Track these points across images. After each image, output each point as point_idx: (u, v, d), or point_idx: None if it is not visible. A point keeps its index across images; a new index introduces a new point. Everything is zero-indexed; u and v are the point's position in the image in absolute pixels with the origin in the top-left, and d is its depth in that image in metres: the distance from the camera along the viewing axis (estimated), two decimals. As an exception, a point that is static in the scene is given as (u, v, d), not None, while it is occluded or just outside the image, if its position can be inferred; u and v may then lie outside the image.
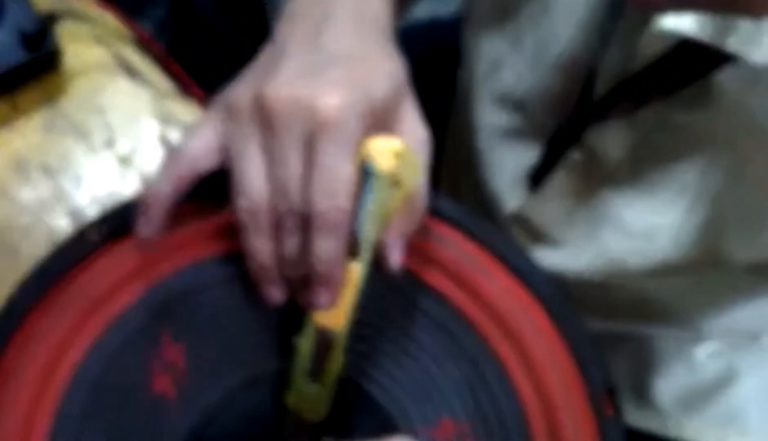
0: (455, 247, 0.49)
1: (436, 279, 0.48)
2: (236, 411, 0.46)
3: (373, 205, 0.41)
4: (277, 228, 0.42)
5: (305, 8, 0.46)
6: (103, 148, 0.58)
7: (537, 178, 0.63)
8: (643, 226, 0.59)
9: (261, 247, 0.42)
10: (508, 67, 0.62)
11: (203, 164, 0.43)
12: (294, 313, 0.46)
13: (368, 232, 0.41)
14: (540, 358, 0.47)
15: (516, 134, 0.64)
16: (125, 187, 0.57)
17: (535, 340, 0.47)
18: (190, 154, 0.43)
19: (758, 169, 0.53)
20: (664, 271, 0.60)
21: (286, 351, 0.47)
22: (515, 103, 0.63)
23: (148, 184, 0.43)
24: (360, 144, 0.41)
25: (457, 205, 0.50)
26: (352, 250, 0.41)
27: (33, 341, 0.44)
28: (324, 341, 0.42)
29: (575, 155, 0.59)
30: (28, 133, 0.57)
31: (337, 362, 0.42)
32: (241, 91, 0.42)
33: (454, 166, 0.77)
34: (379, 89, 0.42)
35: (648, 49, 0.51)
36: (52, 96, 0.59)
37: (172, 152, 0.43)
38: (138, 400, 0.45)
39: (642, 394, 0.73)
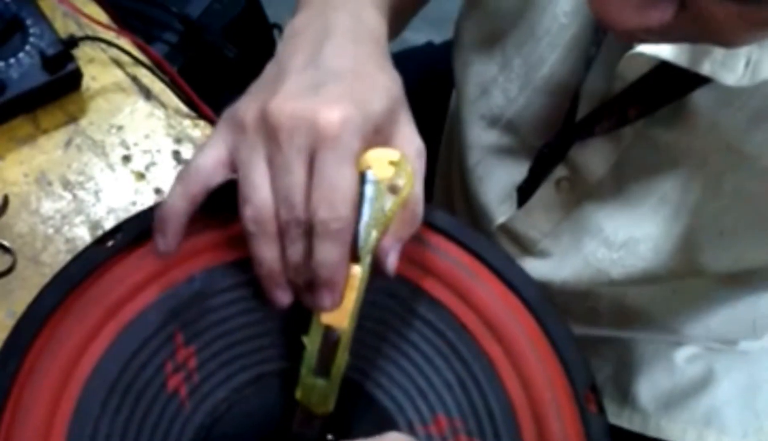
0: (449, 256, 0.52)
1: (431, 286, 0.51)
2: (244, 409, 0.49)
3: (372, 211, 0.44)
4: (282, 235, 0.44)
5: (305, 27, 0.48)
6: (120, 164, 0.62)
7: (524, 193, 0.66)
8: (623, 237, 0.62)
9: (267, 253, 0.45)
10: (497, 90, 0.65)
11: (214, 178, 0.45)
12: (299, 316, 0.50)
13: (369, 237, 0.44)
14: (527, 358, 0.50)
15: (505, 152, 0.67)
16: (141, 200, 0.60)
17: (522, 341, 0.50)
18: (201, 171, 0.45)
19: (733, 185, 0.56)
20: (645, 279, 0.63)
21: (291, 352, 0.51)
22: (504, 124, 0.66)
23: (164, 201, 0.46)
24: (359, 155, 0.44)
25: (451, 218, 0.53)
26: (354, 254, 0.44)
27: (54, 342, 0.47)
28: (329, 339, 0.45)
29: (560, 172, 0.62)
30: (50, 149, 0.61)
31: (342, 358, 0.45)
32: (246, 106, 0.45)
33: (447, 181, 0.80)
34: (377, 103, 0.45)
35: (628, 72, 0.54)
36: (72, 115, 0.63)
37: (184, 169, 0.46)
38: (152, 399, 0.48)
39: (624, 395, 0.77)
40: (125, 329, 0.48)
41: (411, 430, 0.50)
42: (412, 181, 0.45)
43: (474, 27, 0.67)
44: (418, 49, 0.94)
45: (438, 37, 0.94)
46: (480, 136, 0.68)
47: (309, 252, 0.43)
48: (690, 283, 0.66)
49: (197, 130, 0.63)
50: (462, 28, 0.69)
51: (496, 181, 0.68)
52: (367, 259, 0.44)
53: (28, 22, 0.61)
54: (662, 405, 0.75)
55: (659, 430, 0.76)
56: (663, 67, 0.52)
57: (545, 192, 0.64)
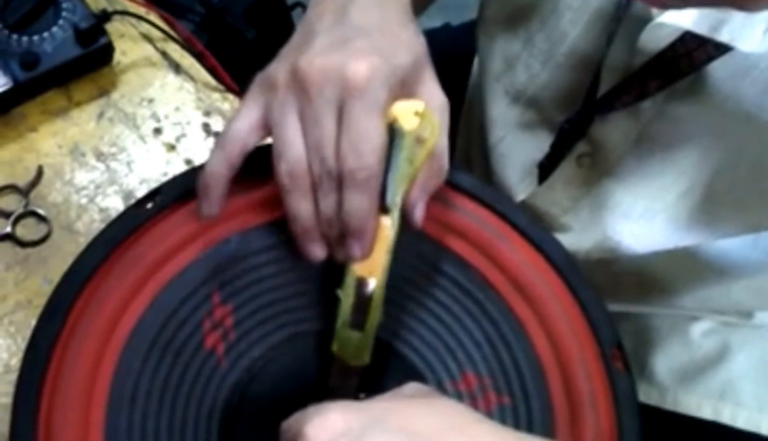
0: (477, 217, 0.53)
1: (459, 246, 0.53)
2: (279, 367, 0.51)
3: (400, 162, 0.45)
4: (315, 189, 0.45)
5: None
6: (151, 136, 0.63)
7: (546, 170, 0.67)
8: (641, 209, 0.63)
9: (302, 207, 0.46)
10: (521, 66, 0.66)
11: (250, 140, 0.47)
12: (334, 276, 0.51)
13: (396, 188, 0.45)
14: (555, 317, 0.51)
15: (527, 128, 0.68)
16: (172, 170, 0.62)
17: (550, 301, 0.51)
18: (238, 134, 0.46)
19: (752, 155, 0.57)
20: (664, 249, 0.65)
21: (326, 312, 0.52)
22: (527, 100, 0.67)
23: (204, 167, 0.47)
24: (387, 106, 0.45)
25: (477, 180, 0.55)
26: (382, 205, 0.45)
27: (96, 301, 0.49)
28: (363, 291, 0.46)
29: (582, 148, 0.63)
30: (83, 121, 0.63)
31: (376, 310, 0.47)
32: (277, 66, 0.46)
33: (467, 160, 0.81)
34: (403, 57, 0.46)
35: (649, 45, 0.55)
36: (104, 88, 0.64)
37: (222, 135, 0.47)
38: (190, 356, 0.49)
39: (641, 369, 0.78)
40: (164, 288, 0.50)
41: (440, 387, 0.51)
42: (437, 131, 0.46)
43: (498, 3, 0.68)
44: (435, 31, 0.95)
45: (455, 19, 0.95)
46: (503, 113, 0.69)
47: (340, 204, 0.45)
48: (706, 254, 0.67)
49: (226, 103, 0.65)
50: (486, 4, 0.70)
51: (518, 158, 0.69)
52: (395, 210, 0.46)
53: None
54: (678, 379, 0.76)
55: (676, 404, 0.76)
56: (682, 39, 0.53)
57: (566, 168, 0.65)
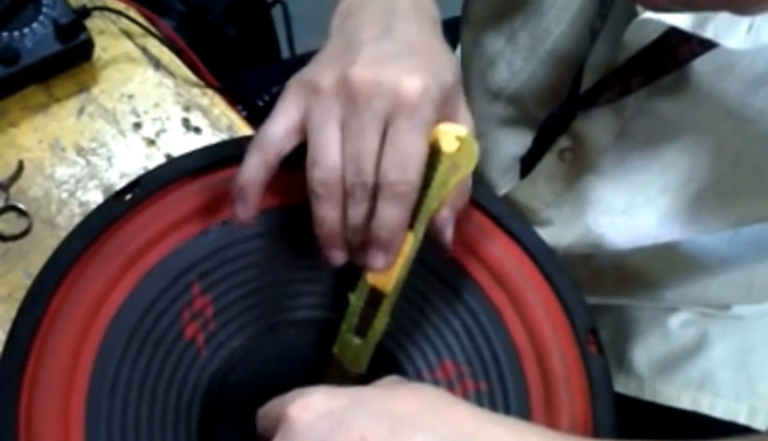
0: (473, 223, 0.54)
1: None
2: (259, 356, 0.51)
3: (434, 183, 0.45)
4: (346, 197, 0.45)
5: (364, 5, 0.50)
6: (131, 130, 0.63)
7: (527, 164, 0.68)
8: (624, 204, 0.64)
9: (330, 214, 0.45)
10: (503, 63, 0.67)
11: (287, 144, 0.46)
12: (313, 268, 0.52)
13: (428, 207, 0.46)
14: (531, 305, 0.52)
15: (509, 124, 0.69)
16: (151, 165, 0.62)
17: (526, 289, 0.52)
18: (275, 138, 0.46)
19: (734, 150, 0.57)
20: (644, 246, 0.65)
21: (305, 302, 0.53)
22: (508, 96, 0.68)
23: (242, 172, 0.46)
24: (432, 126, 0.45)
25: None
26: (411, 221, 0.46)
27: (76, 291, 0.49)
28: (373, 300, 0.47)
29: (563, 143, 0.64)
30: (63, 117, 0.63)
31: (381, 321, 0.47)
32: (322, 72, 0.46)
33: None
34: (449, 76, 0.46)
35: (633, 41, 0.56)
36: (84, 84, 0.64)
37: (258, 139, 0.47)
38: (170, 345, 0.50)
39: (620, 361, 0.78)
40: (144, 279, 0.50)
41: (418, 375, 0.52)
42: (475, 159, 0.46)
43: (483, 1, 0.69)
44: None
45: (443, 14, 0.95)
46: (485, 109, 0.70)
47: (370, 214, 0.45)
48: (685, 247, 0.68)
49: (205, 98, 0.65)
50: (470, 3, 0.71)
51: (499, 154, 0.70)
52: (420, 228, 0.46)
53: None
54: (657, 370, 0.77)
55: (655, 394, 0.77)
56: (667, 35, 0.54)
57: (548, 163, 0.65)
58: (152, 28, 0.66)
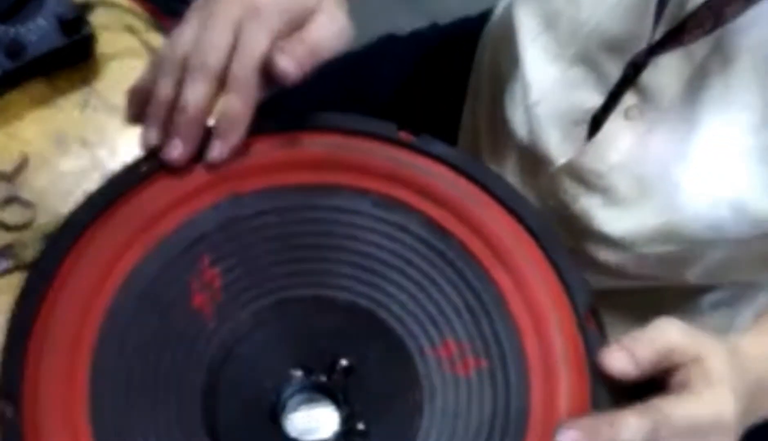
0: (458, 187, 0.54)
1: (441, 216, 0.53)
2: (265, 331, 0.51)
3: None
4: (185, 76, 0.50)
5: None
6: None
7: (592, 126, 0.66)
8: (697, 158, 0.61)
9: (164, 89, 0.50)
10: (564, 20, 0.65)
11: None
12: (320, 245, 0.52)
13: None
14: (532, 283, 0.51)
15: (570, 86, 0.66)
16: (155, 155, 0.62)
17: (527, 267, 0.51)
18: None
19: None
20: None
21: (313, 280, 0.53)
22: (573, 54, 0.65)
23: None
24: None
25: (458, 150, 0.55)
26: None
27: (87, 254, 0.49)
28: None
29: (629, 100, 0.62)
30: (67, 110, 0.64)
31: None
32: None
33: (493, 133, 0.79)
34: None
35: None
36: (87, 77, 0.65)
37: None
38: (178, 313, 0.50)
39: None
40: (155, 246, 0.50)
41: (421, 353, 0.51)
42: None
43: None
44: (423, 31, 0.95)
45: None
46: (544, 72, 0.68)
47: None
48: None
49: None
50: None
51: (558, 119, 0.68)
52: None
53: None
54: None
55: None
56: None
57: (614, 123, 0.64)
58: (154, 22, 0.67)
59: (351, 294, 0.52)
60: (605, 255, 0.69)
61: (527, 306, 0.51)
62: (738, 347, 0.51)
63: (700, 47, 0.57)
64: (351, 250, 0.52)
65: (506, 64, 0.73)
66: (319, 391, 0.50)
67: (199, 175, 0.52)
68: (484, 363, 0.50)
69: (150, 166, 0.52)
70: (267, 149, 0.52)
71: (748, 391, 0.48)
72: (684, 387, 0.45)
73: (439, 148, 0.54)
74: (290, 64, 0.50)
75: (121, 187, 0.51)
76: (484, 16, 0.86)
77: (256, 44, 0.49)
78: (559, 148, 0.68)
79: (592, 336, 0.49)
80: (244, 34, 0.49)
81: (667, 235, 0.64)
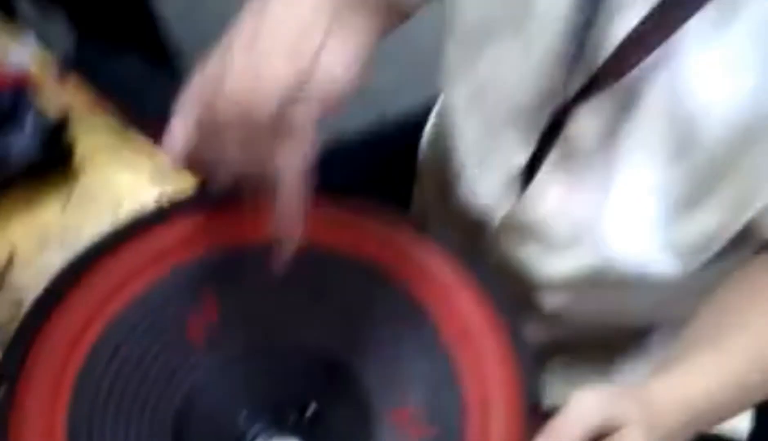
0: (442, 268, 0.60)
1: (418, 289, 0.59)
2: (245, 368, 0.56)
3: None
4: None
5: None
6: (110, 214, 0.70)
7: (525, 178, 0.70)
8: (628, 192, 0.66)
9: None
10: (491, 90, 0.71)
11: None
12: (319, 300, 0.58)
13: None
14: (490, 367, 0.55)
15: (505, 147, 0.72)
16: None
17: (488, 351, 0.56)
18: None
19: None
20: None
21: (299, 330, 0.57)
22: (502, 120, 0.71)
23: None
24: None
25: (445, 238, 0.62)
26: None
27: (101, 275, 0.57)
28: None
29: (555, 153, 0.67)
30: (50, 210, 0.70)
31: None
32: None
33: (440, 204, 0.83)
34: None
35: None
36: (68, 178, 0.72)
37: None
38: (170, 340, 0.55)
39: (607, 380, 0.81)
40: (163, 275, 0.57)
41: (383, 411, 0.55)
42: None
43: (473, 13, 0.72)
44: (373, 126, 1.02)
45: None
46: (478, 139, 0.73)
47: None
48: None
49: (180, 176, 0.71)
50: (457, 15, 0.74)
51: (495, 179, 0.73)
52: None
53: (24, 104, 0.71)
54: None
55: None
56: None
57: (543, 176, 0.69)
58: (129, 122, 0.74)
59: (332, 347, 0.57)
60: (551, 302, 0.73)
61: (480, 387, 0.55)
62: (651, 399, 0.56)
63: (611, 97, 0.63)
64: (340, 309, 0.58)
65: (447, 140, 0.78)
66: (286, 431, 0.54)
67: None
68: (432, 431, 0.54)
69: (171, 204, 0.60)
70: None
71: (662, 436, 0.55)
72: None
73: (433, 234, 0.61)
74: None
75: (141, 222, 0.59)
76: (428, 109, 0.93)
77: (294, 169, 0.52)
78: (497, 204, 0.73)
79: (534, 426, 0.52)
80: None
81: (602, 276, 0.69)
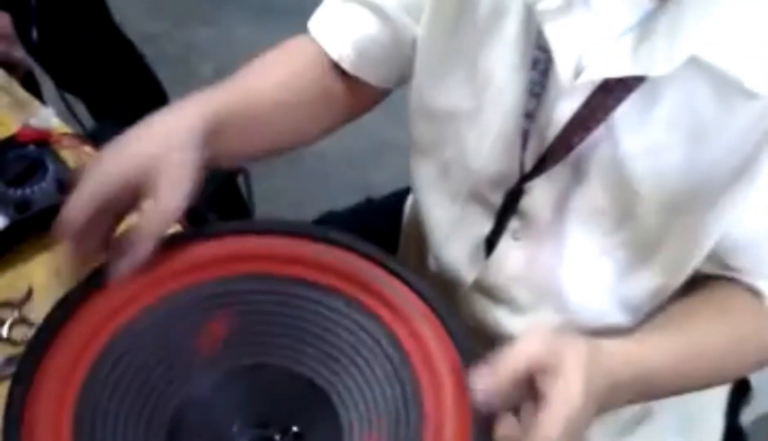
0: (410, 303, 0.64)
1: (391, 320, 0.63)
2: (237, 387, 0.61)
3: None
4: None
5: None
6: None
7: (490, 246, 0.77)
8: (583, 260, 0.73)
9: None
10: (456, 167, 0.77)
11: None
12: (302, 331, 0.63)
13: None
14: (445, 391, 0.60)
15: (470, 218, 0.78)
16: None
17: (445, 375, 0.60)
18: None
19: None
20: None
21: (287, 355, 0.63)
22: (466, 194, 0.78)
23: None
24: None
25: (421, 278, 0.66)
26: None
27: (104, 299, 0.62)
28: None
29: (514, 223, 0.74)
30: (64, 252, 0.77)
31: None
32: None
33: (418, 255, 0.90)
34: None
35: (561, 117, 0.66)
36: (82, 226, 0.79)
37: None
38: (176, 349, 0.61)
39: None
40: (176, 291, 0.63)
41: (354, 434, 0.60)
42: None
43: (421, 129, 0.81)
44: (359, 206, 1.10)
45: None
46: (445, 212, 0.80)
47: None
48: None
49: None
50: (413, 126, 0.82)
51: (462, 247, 0.80)
52: None
53: (47, 159, 0.80)
54: (610, 437, 0.84)
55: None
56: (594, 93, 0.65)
57: (504, 244, 0.76)
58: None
59: (314, 375, 0.62)
60: None
61: (437, 410, 0.59)
62: (600, 347, 0.59)
63: (561, 172, 0.69)
64: (323, 339, 0.63)
65: (418, 213, 0.86)
66: None
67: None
68: None
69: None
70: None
71: (606, 385, 0.58)
72: (542, 399, 0.55)
73: (404, 272, 0.66)
74: None
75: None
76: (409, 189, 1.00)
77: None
78: (466, 270, 0.80)
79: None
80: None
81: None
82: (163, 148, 0.63)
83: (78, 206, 0.62)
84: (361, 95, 0.83)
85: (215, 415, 0.61)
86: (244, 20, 2.19)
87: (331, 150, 1.77)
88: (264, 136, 0.77)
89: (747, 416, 0.96)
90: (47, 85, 1.21)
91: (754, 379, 0.93)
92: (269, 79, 0.77)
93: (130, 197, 0.63)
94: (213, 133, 0.67)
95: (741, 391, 0.93)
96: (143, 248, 0.62)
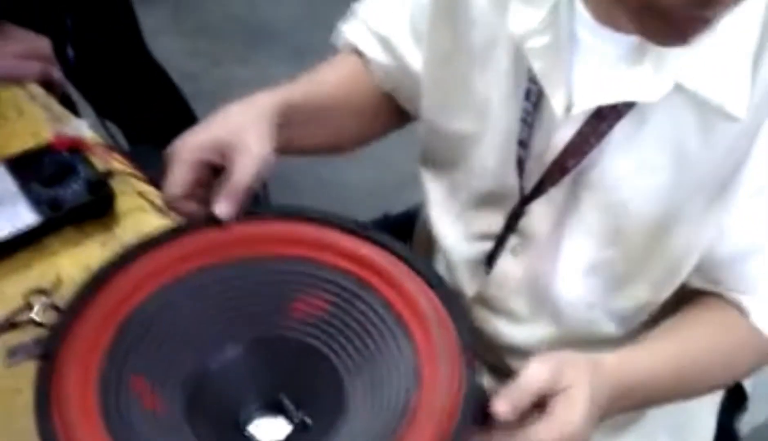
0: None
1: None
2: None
3: None
4: None
5: None
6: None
7: (490, 262, 0.81)
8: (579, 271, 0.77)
9: None
10: (463, 188, 0.81)
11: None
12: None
13: None
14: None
15: (473, 235, 0.83)
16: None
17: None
18: None
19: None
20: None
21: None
22: (471, 213, 0.82)
23: None
24: None
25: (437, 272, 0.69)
26: None
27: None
28: None
29: (513, 241, 0.78)
30: (93, 248, 0.84)
31: None
32: None
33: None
34: None
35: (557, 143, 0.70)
36: (107, 226, 0.87)
37: None
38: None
39: None
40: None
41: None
42: None
43: (436, 140, 0.83)
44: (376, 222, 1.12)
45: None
46: (451, 229, 0.85)
47: None
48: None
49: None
50: (425, 147, 0.86)
51: (465, 262, 0.84)
52: None
53: (78, 163, 0.88)
54: (602, 435, 0.87)
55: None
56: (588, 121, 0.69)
57: (504, 260, 0.80)
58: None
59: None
60: (518, 365, 0.78)
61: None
62: (600, 362, 0.64)
63: (557, 193, 0.74)
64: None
65: (429, 231, 0.90)
66: (277, 410, 0.65)
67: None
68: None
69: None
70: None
71: (608, 396, 0.63)
72: (550, 413, 0.60)
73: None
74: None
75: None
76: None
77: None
78: (469, 283, 0.85)
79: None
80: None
81: (559, 341, 0.80)
82: (245, 120, 0.71)
83: (177, 174, 0.69)
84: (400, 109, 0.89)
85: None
86: (279, 59, 2.27)
87: (354, 180, 1.84)
88: (323, 130, 0.84)
89: (744, 426, 0.99)
90: (86, 110, 1.30)
91: (750, 386, 0.96)
92: (329, 78, 0.85)
93: (219, 159, 0.69)
94: (283, 119, 0.74)
95: (735, 398, 0.96)
96: (242, 190, 0.68)
